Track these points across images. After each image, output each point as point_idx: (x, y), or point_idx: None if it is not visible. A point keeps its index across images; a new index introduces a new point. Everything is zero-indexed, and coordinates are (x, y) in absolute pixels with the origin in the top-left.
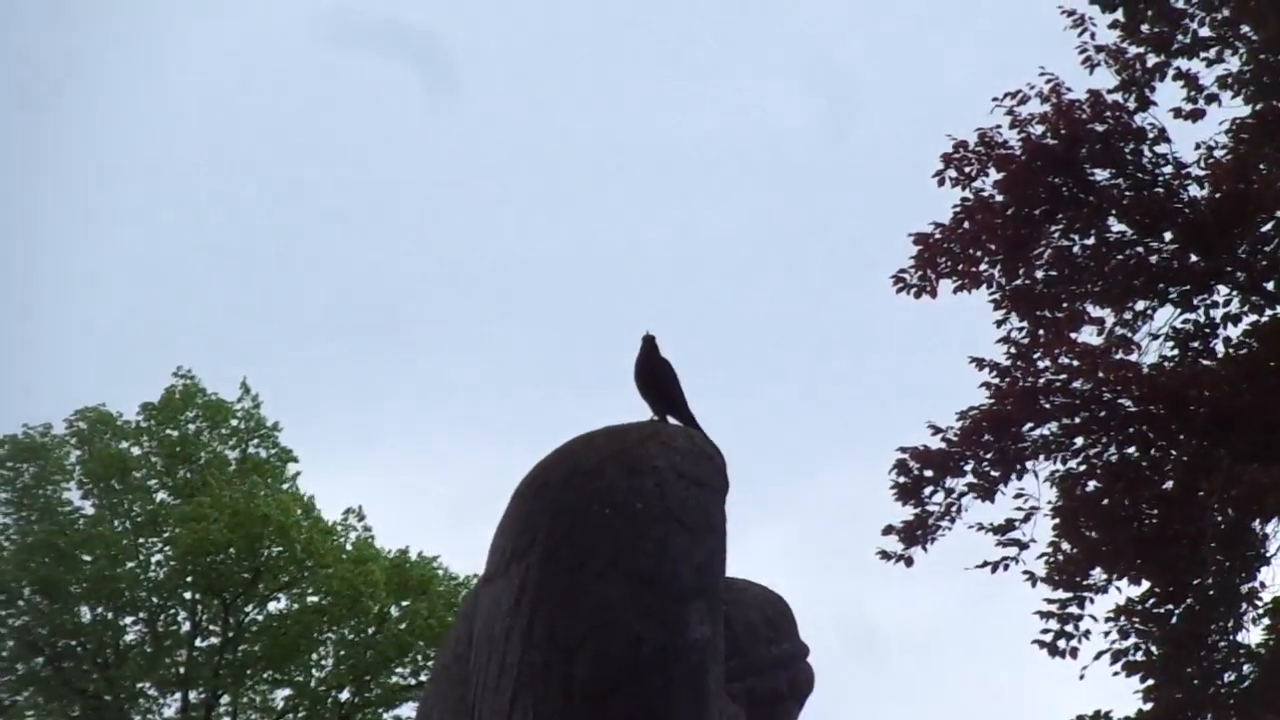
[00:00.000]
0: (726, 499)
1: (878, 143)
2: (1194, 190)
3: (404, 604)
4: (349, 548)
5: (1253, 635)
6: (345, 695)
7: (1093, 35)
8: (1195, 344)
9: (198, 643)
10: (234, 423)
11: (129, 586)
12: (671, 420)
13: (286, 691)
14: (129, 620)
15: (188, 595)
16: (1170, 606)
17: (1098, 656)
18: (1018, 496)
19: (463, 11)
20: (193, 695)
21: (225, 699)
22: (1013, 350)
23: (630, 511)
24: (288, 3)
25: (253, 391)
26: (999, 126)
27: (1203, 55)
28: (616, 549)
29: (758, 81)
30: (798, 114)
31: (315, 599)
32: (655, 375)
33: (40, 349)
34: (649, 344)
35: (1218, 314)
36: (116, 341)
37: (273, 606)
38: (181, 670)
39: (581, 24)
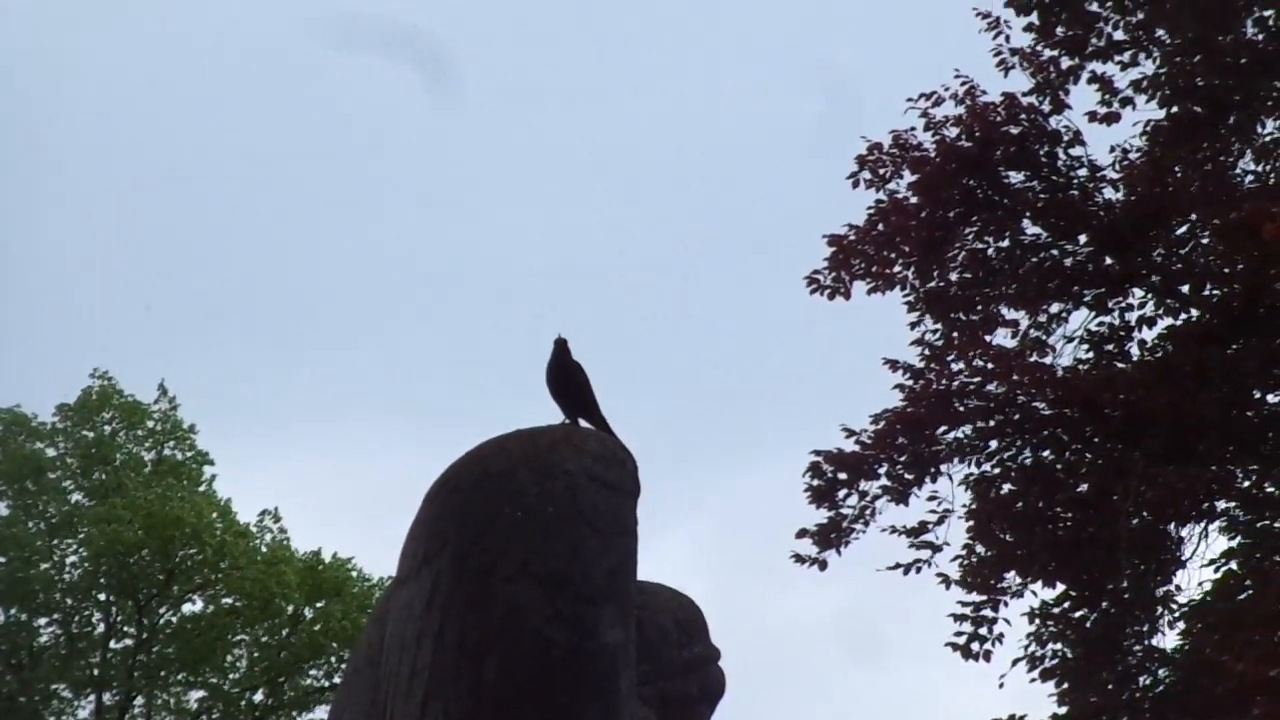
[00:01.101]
0: (638, 503)
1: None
2: (1109, 193)
3: (318, 605)
4: (264, 550)
5: (1168, 639)
6: (259, 697)
7: (1007, 38)
8: (1110, 347)
9: (112, 644)
10: (150, 424)
11: (43, 588)
12: (583, 423)
13: (201, 693)
14: (43, 622)
15: (102, 597)
16: (1085, 610)
17: (1015, 663)
18: (931, 499)
19: (463, 12)
20: (107, 697)
21: (139, 701)
22: (926, 352)
23: (542, 515)
24: (288, 3)
25: (170, 393)
26: (913, 129)
27: (1117, 58)
28: (528, 552)
29: (757, 82)
30: (798, 114)
31: (229, 601)
32: (567, 378)
33: None
34: (560, 346)
35: (1132, 317)
36: (32, 342)
37: (187, 608)
38: (95, 672)
39: (581, 24)
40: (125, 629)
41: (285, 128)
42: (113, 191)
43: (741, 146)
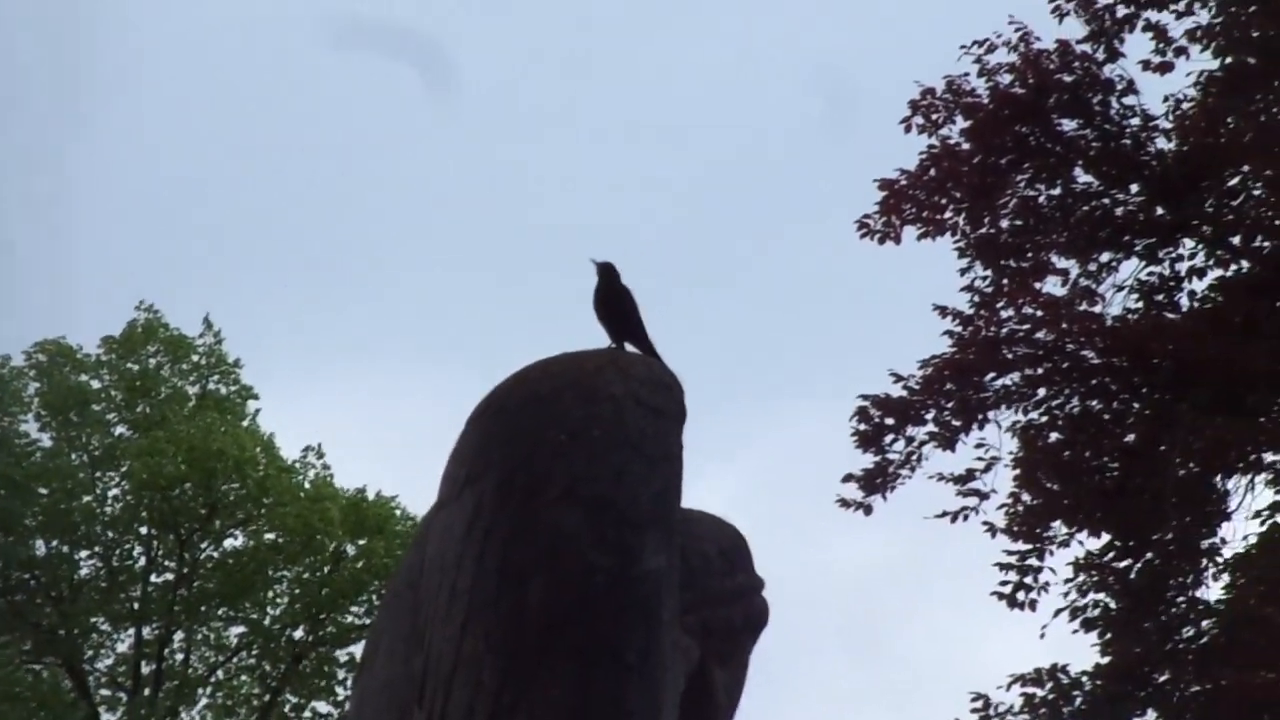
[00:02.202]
0: (683, 429)
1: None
2: (1161, 143)
3: (360, 543)
4: (307, 486)
5: (1212, 591)
6: (299, 633)
7: None
8: (1160, 297)
9: (152, 578)
10: (195, 358)
11: (84, 521)
12: (630, 348)
13: (240, 629)
14: (84, 554)
15: (143, 530)
16: (1130, 561)
17: (1056, 614)
18: (978, 446)
19: (463, 12)
20: (146, 631)
21: (179, 635)
22: (976, 299)
23: (587, 439)
24: (288, 3)
25: (215, 327)
26: (967, 75)
27: (1172, 7)
28: (572, 476)
29: (758, 82)
30: (798, 115)
31: (271, 537)
32: (614, 302)
33: (1, 279)
34: (607, 271)
35: (1183, 267)
36: (79, 274)
37: (228, 543)
38: (136, 606)
39: (581, 24)
40: (166, 563)
41: (285, 128)
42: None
43: (743, 145)
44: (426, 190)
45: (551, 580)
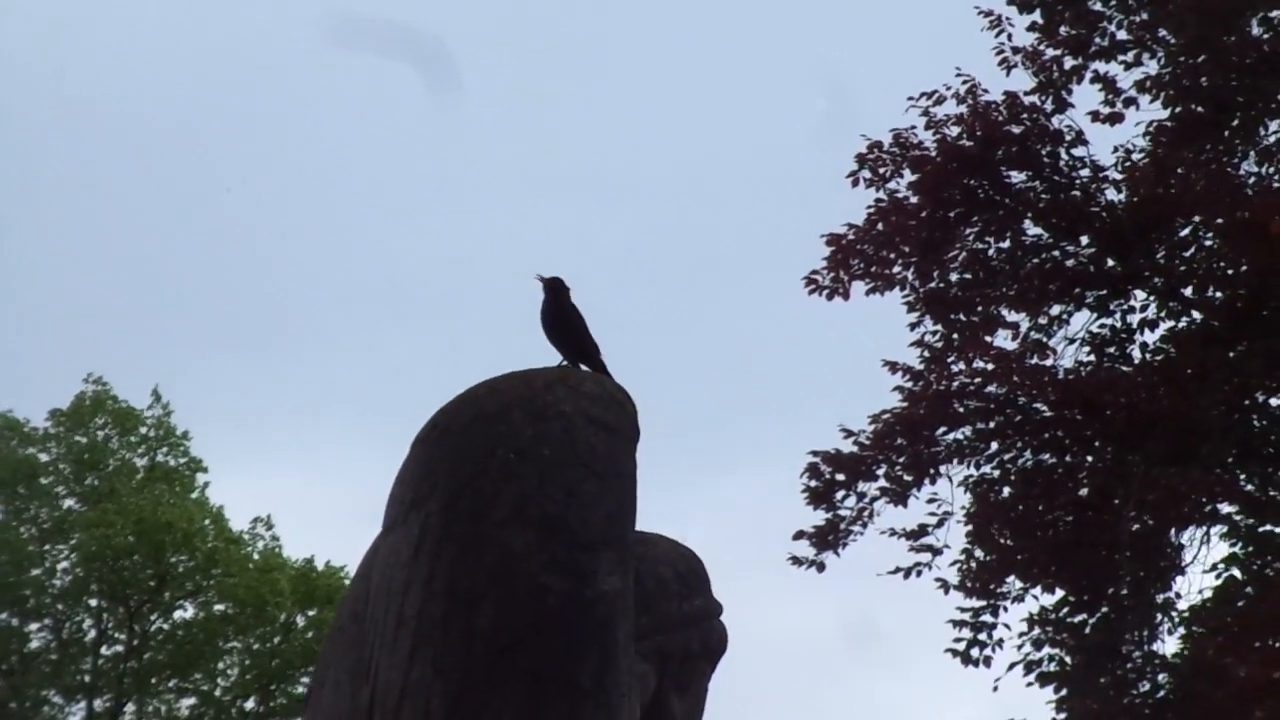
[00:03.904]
0: (637, 447)
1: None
2: (1111, 194)
3: (310, 613)
4: (256, 557)
5: (1168, 645)
6: (251, 704)
7: (1010, 36)
8: (1111, 349)
9: (103, 650)
10: (144, 430)
11: (34, 593)
12: (583, 368)
13: (191, 700)
14: (34, 627)
15: (93, 602)
16: (1085, 616)
17: (1011, 667)
18: (931, 501)
19: (462, 12)
20: (98, 703)
21: (130, 707)
22: (926, 354)
23: (537, 457)
24: (290, 4)
25: (164, 399)
26: (914, 127)
27: (1121, 58)
28: (522, 496)
29: (758, 81)
30: (797, 115)
31: (221, 607)
32: (561, 319)
33: None
34: (554, 287)
35: (1134, 319)
36: (25, 346)
37: (178, 615)
38: (87, 678)
39: (581, 24)
40: (116, 635)
41: (284, 127)
42: (108, 192)
43: (741, 146)
44: (416, 200)
45: (502, 602)
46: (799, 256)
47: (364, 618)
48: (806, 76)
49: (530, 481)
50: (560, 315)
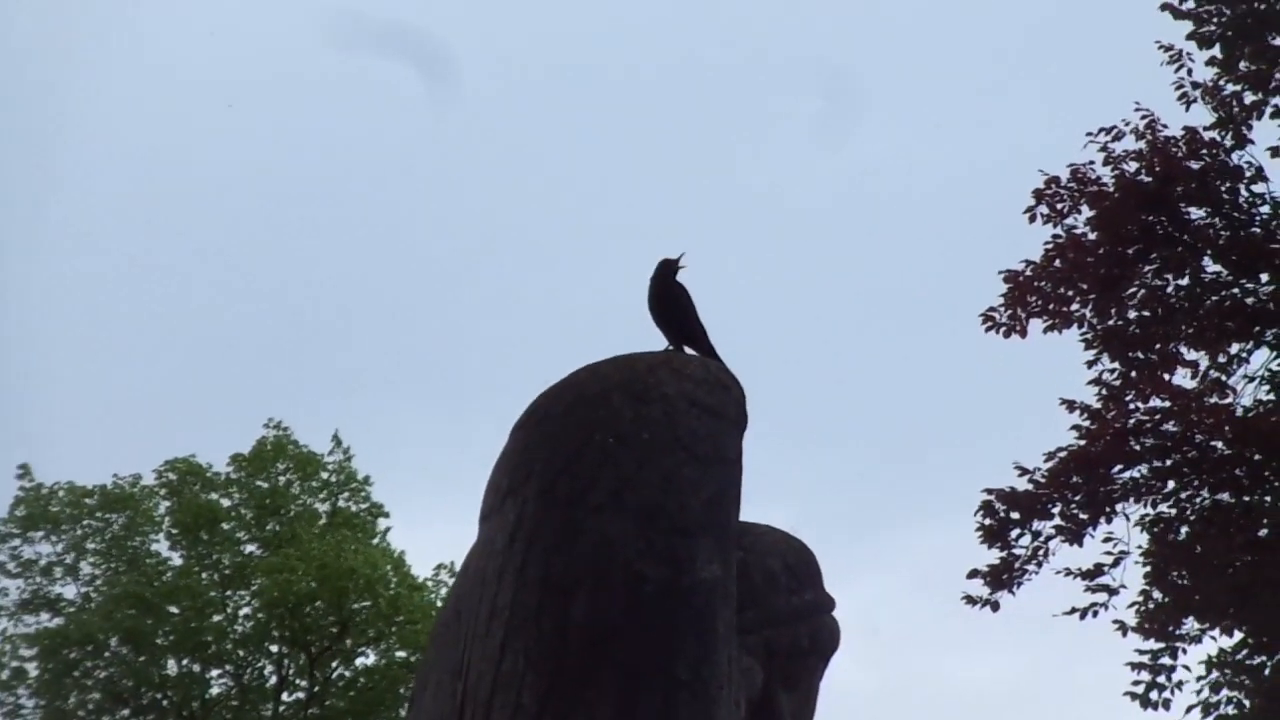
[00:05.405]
0: (743, 434)
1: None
2: None
3: None
4: (439, 604)
5: None
6: None
7: (1189, 71)
8: None
9: (284, 696)
10: (325, 475)
11: (216, 639)
12: (688, 351)
13: None
14: (215, 673)
15: (274, 648)
16: (1264, 658)
17: (1189, 710)
18: (1106, 540)
19: (462, 12)
20: None
21: None
22: (1103, 391)
23: (636, 441)
24: (289, 4)
25: (344, 444)
26: (1092, 163)
27: None
28: (619, 481)
29: (758, 81)
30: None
31: (403, 655)
32: (669, 302)
33: (131, 398)
34: (664, 268)
35: None
36: (208, 391)
37: (359, 662)
38: None
39: (581, 25)
40: (297, 681)
41: (284, 127)
42: (271, 236)
43: (742, 145)
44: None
45: (596, 592)
46: (973, 293)
47: (464, 613)
48: (804, 77)
49: (628, 466)
50: (667, 297)
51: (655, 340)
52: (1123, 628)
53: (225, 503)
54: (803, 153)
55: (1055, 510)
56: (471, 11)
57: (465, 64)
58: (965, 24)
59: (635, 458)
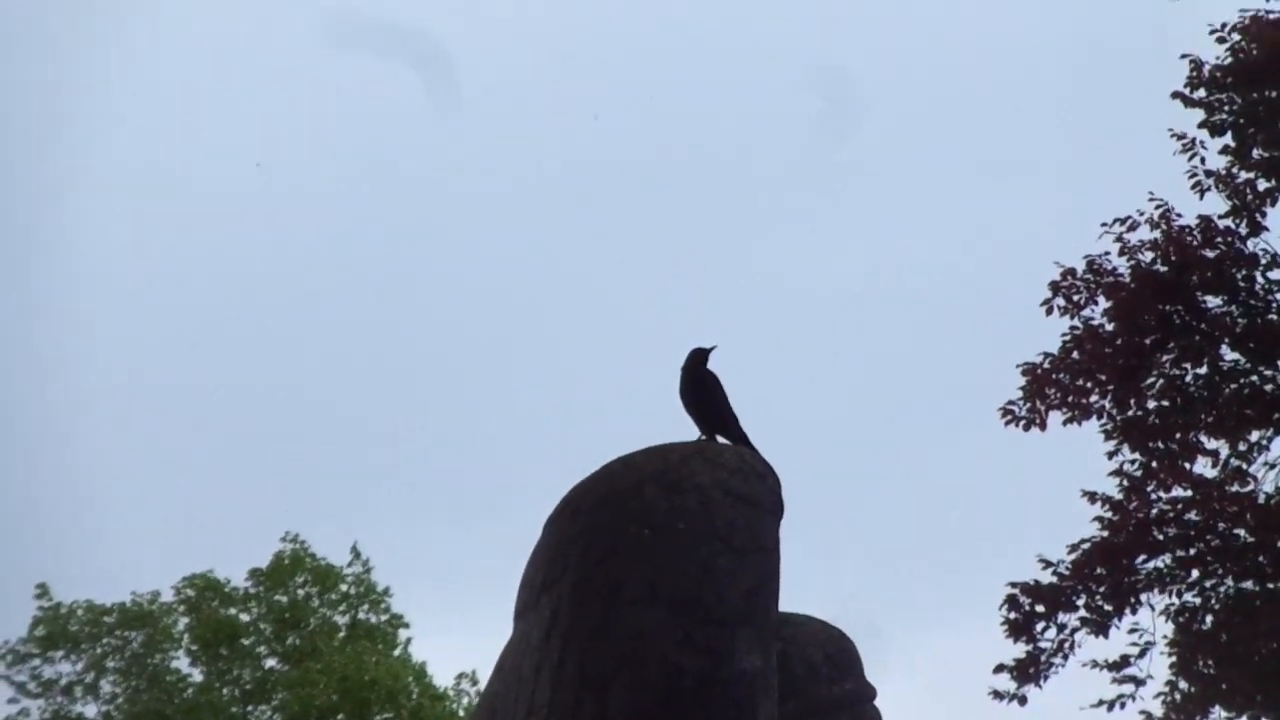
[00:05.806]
0: (780, 522)
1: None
2: None
3: None
4: (461, 714)
5: None
6: None
7: (1203, 160)
8: None
9: None
10: (344, 588)
11: None
12: (721, 440)
13: None
14: None
15: None
16: None
17: None
18: (1132, 631)
19: (462, 12)
20: None
21: None
22: (1125, 482)
23: (671, 532)
24: (288, 4)
25: (363, 556)
26: (1108, 253)
27: None
28: (654, 573)
29: (757, 82)
30: (797, 115)
31: None
32: (700, 390)
33: (147, 515)
34: (695, 358)
35: None
36: (223, 506)
37: None
38: None
39: (581, 25)
40: None
41: (283, 126)
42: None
43: (741, 144)
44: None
45: (634, 685)
46: (987, 386)
47: (498, 712)
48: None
49: (663, 558)
50: (696, 385)
51: (684, 429)
52: (1150, 719)
53: (244, 618)
54: (811, 239)
55: (1080, 602)
56: (471, 11)
57: (465, 64)
58: (971, 119)
59: (670, 549)
